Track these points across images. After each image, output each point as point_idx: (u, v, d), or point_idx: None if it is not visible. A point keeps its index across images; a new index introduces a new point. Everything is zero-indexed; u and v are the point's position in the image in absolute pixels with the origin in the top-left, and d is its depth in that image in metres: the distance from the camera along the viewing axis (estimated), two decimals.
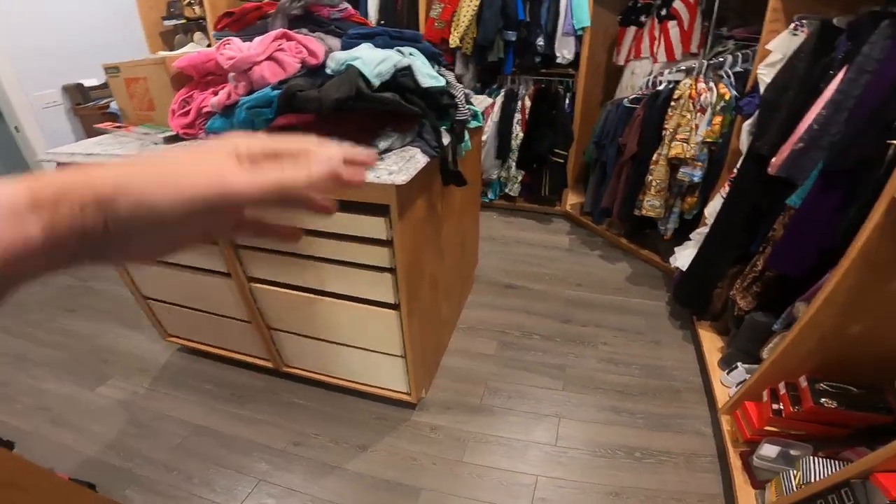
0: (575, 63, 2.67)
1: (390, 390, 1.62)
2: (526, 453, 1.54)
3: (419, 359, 1.50)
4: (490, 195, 3.21)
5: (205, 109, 1.31)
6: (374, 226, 1.13)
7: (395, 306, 1.32)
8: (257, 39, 1.22)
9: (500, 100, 2.83)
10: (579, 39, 2.58)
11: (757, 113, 1.60)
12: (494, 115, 2.84)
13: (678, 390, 1.76)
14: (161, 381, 1.90)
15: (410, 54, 1.12)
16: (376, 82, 0.98)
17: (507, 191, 3.11)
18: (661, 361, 1.90)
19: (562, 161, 2.82)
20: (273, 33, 1.22)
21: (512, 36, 2.58)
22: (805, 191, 1.37)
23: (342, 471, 1.51)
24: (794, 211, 1.41)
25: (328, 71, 1.13)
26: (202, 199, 0.24)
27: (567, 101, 2.78)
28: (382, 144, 1.04)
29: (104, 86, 3.13)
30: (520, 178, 3.01)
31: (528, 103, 2.80)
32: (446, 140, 1.21)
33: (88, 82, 3.07)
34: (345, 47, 1.29)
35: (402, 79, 1.03)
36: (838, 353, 1.22)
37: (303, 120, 1.04)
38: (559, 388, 1.78)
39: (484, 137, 2.86)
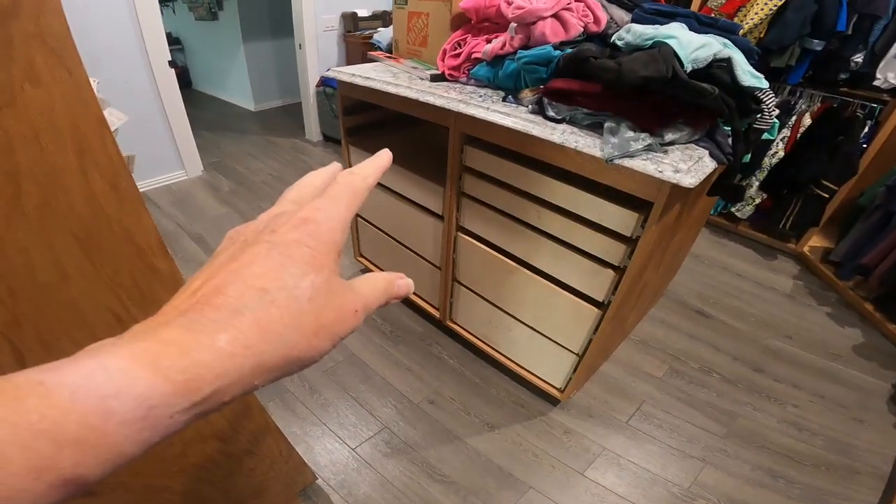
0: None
1: (542, 380, 1.57)
2: (651, 488, 1.40)
3: (590, 361, 1.40)
4: None
5: (474, 55, 1.31)
6: (622, 218, 1.03)
7: (600, 304, 1.23)
8: None
9: None
10: None
11: None
12: None
13: (857, 472, 1.48)
14: None
15: (725, 45, 0.95)
16: (689, 68, 0.85)
17: (732, 209, 2.69)
18: (855, 440, 1.59)
19: (826, 196, 2.31)
20: None
21: (818, 45, 2.13)
22: None
23: (462, 443, 1.52)
24: None
25: (619, 43, 1.02)
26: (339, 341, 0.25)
27: (864, 130, 2.21)
28: (669, 136, 0.91)
29: (372, 17, 3.44)
30: (758, 200, 2.56)
31: (806, 121, 2.31)
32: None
33: (361, 13, 3.36)
34: (636, 21, 1.16)
35: (716, 70, 0.88)
36: None
37: (586, 88, 0.96)
38: (719, 435, 1.58)
39: None
